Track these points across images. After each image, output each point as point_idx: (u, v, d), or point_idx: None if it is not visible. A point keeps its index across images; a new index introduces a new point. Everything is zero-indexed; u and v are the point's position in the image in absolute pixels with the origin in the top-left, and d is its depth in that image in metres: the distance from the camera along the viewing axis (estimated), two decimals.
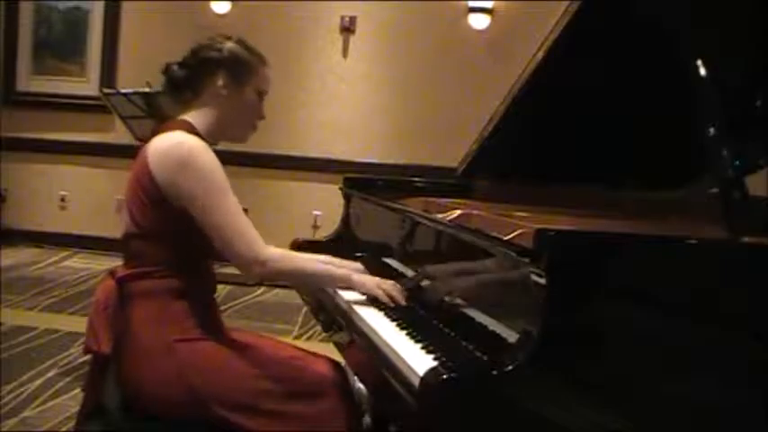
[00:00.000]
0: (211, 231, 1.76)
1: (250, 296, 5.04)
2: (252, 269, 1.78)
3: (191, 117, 1.88)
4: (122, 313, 1.79)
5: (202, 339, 1.79)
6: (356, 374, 1.93)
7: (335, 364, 1.93)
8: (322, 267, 1.95)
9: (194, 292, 1.82)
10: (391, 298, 1.86)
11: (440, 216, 1.99)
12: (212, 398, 1.73)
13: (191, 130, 1.84)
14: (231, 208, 1.77)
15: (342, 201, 2.74)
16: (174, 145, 1.78)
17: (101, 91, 4.33)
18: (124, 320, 1.78)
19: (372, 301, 1.91)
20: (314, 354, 1.94)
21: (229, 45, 1.91)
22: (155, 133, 1.87)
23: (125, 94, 3.87)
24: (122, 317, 1.78)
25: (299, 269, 1.89)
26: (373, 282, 1.91)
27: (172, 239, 1.79)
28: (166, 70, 1.94)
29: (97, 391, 1.83)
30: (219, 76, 1.88)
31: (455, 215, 2.01)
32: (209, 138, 1.87)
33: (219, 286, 1.92)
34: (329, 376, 1.85)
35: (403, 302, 1.87)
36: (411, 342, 1.62)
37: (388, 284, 1.90)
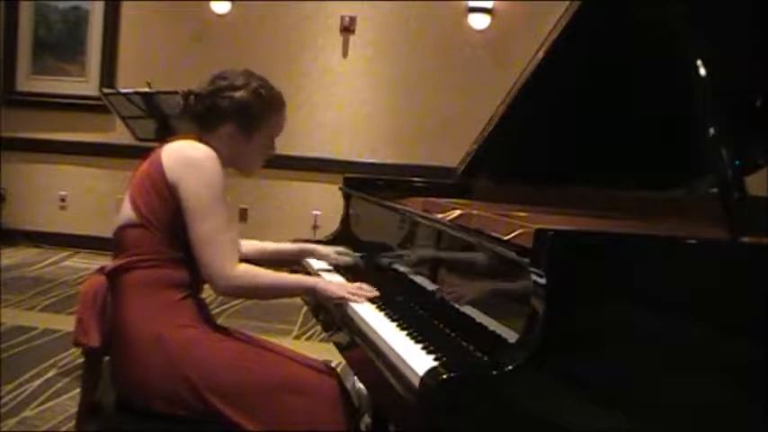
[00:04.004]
0: (193, 235, 1.80)
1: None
2: (216, 283, 1.81)
3: (204, 139, 1.93)
4: (113, 307, 1.82)
5: (192, 327, 1.82)
6: (356, 374, 1.93)
7: (328, 366, 1.94)
8: (288, 279, 1.98)
9: (183, 282, 1.85)
10: (359, 295, 1.91)
11: (439, 216, 1.99)
12: (205, 387, 1.74)
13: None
14: (219, 220, 1.81)
15: (342, 201, 2.74)
16: (188, 148, 1.88)
17: (100, 91, 4.33)
18: (114, 314, 1.81)
19: (372, 300, 1.91)
20: (306, 356, 1.96)
21: (239, 95, 1.93)
22: (167, 142, 1.93)
23: (125, 94, 3.86)
24: (113, 311, 1.82)
25: (262, 285, 1.87)
26: (337, 286, 1.96)
27: (170, 230, 1.83)
28: (185, 98, 1.98)
29: (92, 387, 1.85)
30: (228, 124, 1.94)
31: (455, 215, 2.00)
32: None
33: None
34: (325, 376, 1.86)
35: (371, 295, 1.91)
36: (411, 342, 1.62)
37: (353, 286, 1.95)
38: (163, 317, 1.80)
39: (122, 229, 1.87)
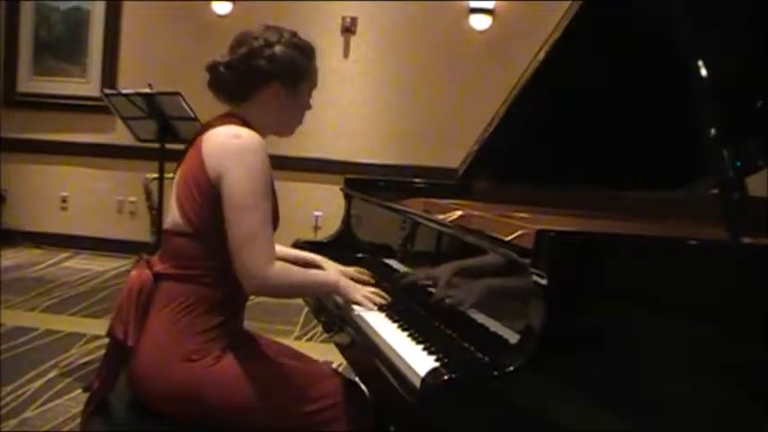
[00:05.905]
0: (231, 229, 1.68)
1: (251, 297, 5.03)
2: (251, 283, 1.72)
3: (242, 112, 1.82)
4: (150, 309, 1.75)
5: (223, 353, 1.75)
6: (357, 375, 1.93)
7: (334, 369, 1.94)
8: (315, 279, 1.95)
9: (227, 305, 1.79)
10: (372, 301, 1.90)
11: (440, 217, 1.99)
12: (224, 408, 1.72)
13: (245, 124, 1.78)
14: (261, 215, 1.69)
15: (342, 201, 2.74)
16: (229, 136, 1.73)
17: (101, 91, 4.32)
18: (150, 316, 1.75)
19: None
20: (313, 359, 1.96)
21: (279, 51, 1.80)
22: (206, 127, 1.82)
23: (126, 95, 3.86)
24: (149, 313, 1.75)
25: (295, 284, 1.83)
26: (354, 288, 1.93)
27: (220, 242, 1.71)
28: (212, 69, 1.83)
29: (110, 380, 1.80)
30: (272, 85, 1.81)
31: (456, 216, 2.00)
32: (259, 133, 1.79)
33: None
34: (333, 378, 1.85)
35: (383, 302, 1.90)
36: (412, 343, 1.63)
37: (369, 290, 1.93)
38: (196, 339, 1.73)
39: (171, 233, 1.78)
